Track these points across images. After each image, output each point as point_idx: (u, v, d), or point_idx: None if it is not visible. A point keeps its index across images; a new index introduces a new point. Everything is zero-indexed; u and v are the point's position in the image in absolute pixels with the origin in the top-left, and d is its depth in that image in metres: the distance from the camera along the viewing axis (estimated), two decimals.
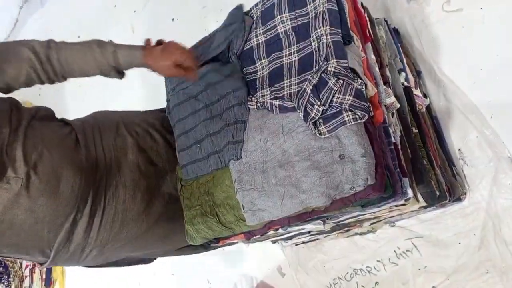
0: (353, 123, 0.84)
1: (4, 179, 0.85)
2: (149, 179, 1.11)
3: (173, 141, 1.17)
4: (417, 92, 1.19)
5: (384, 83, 1.00)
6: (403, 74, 1.15)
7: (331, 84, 0.85)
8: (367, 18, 1.04)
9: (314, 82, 0.88)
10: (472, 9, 1.24)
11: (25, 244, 0.96)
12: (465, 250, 1.23)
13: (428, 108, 1.26)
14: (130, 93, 2.25)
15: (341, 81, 0.85)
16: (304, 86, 0.91)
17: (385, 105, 0.96)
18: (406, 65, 1.19)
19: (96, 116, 1.15)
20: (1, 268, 2.94)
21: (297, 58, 0.98)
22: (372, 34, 1.04)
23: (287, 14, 1.00)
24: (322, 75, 0.88)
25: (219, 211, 1.04)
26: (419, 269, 1.32)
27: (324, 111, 0.87)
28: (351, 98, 0.84)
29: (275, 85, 0.99)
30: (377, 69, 0.99)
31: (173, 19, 2.27)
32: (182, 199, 1.13)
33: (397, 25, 1.35)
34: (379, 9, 1.42)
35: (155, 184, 1.12)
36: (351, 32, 0.93)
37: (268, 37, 1.04)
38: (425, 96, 1.25)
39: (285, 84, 0.97)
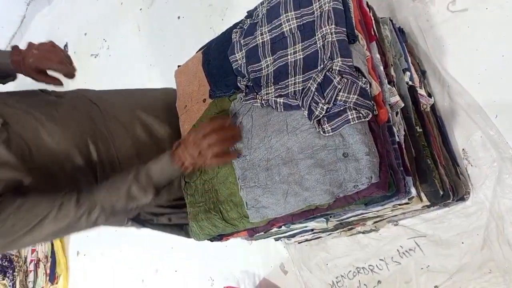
0: (357, 121, 0.84)
1: None
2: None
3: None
4: (421, 91, 1.19)
5: (389, 82, 1.00)
6: (408, 73, 1.15)
7: (336, 83, 0.86)
8: (372, 18, 1.04)
9: (318, 80, 0.89)
10: (477, 9, 1.24)
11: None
12: (468, 249, 1.23)
13: (433, 107, 1.26)
14: None
15: (346, 80, 0.86)
16: (309, 85, 0.91)
17: (390, 104, 0.97)
18: (410, 64, 1.19)
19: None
20: (6, 263, 2.96)
21: (302, 56, 0.98)
22: (377, 33, 1.04)
23: (293, 12, 1.00)
24: (327, 73, 0.88)
25: (223, 208, 1.04)
26: (421, 268, 1.32)
27: (328, 109, 0.87)
28: (355, 96, 0.85)
29: (280, 83, 0.99)
30: (381, 68, 0.99)
31: (179, 17, 2.28)
32: (186, 196, 1.14)
33: (402, 25, 1.35)
34: (384, 8, 1.42)
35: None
36: (356, 31, 0.93)
37: (273, 35, 1.04)
38: (429, 95, 1.25)
39: (290, 82, 0.97)
